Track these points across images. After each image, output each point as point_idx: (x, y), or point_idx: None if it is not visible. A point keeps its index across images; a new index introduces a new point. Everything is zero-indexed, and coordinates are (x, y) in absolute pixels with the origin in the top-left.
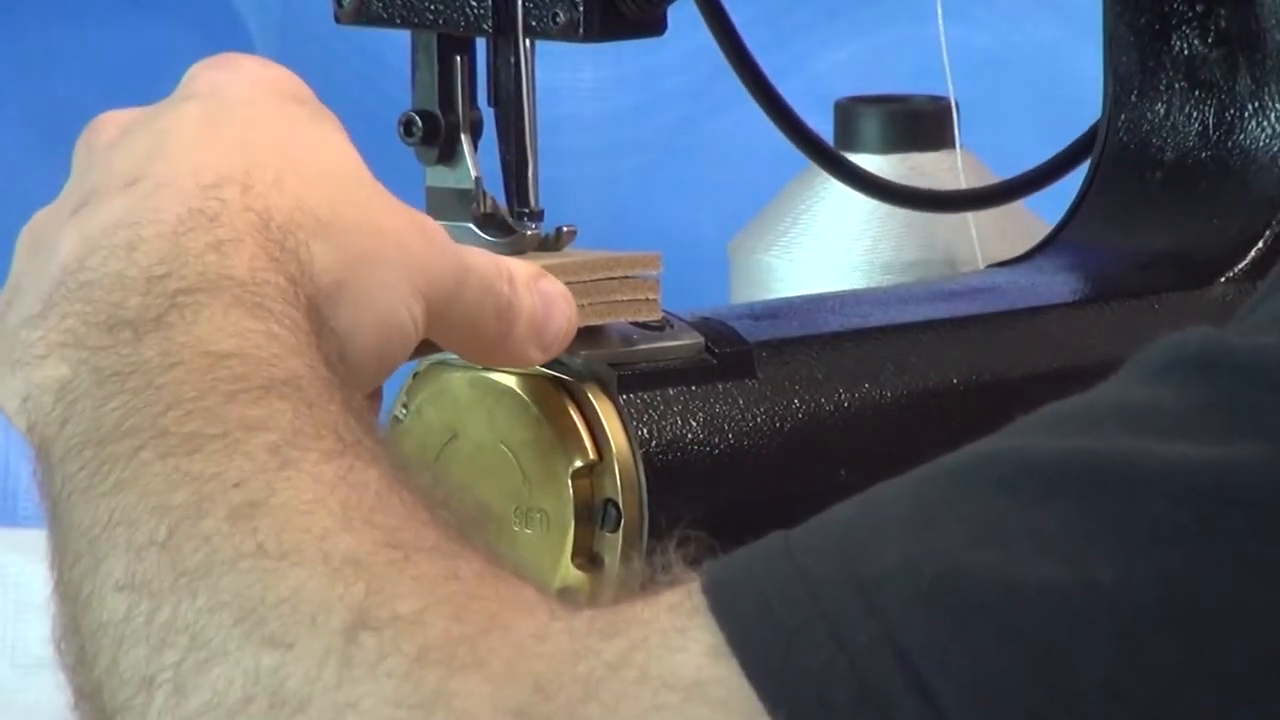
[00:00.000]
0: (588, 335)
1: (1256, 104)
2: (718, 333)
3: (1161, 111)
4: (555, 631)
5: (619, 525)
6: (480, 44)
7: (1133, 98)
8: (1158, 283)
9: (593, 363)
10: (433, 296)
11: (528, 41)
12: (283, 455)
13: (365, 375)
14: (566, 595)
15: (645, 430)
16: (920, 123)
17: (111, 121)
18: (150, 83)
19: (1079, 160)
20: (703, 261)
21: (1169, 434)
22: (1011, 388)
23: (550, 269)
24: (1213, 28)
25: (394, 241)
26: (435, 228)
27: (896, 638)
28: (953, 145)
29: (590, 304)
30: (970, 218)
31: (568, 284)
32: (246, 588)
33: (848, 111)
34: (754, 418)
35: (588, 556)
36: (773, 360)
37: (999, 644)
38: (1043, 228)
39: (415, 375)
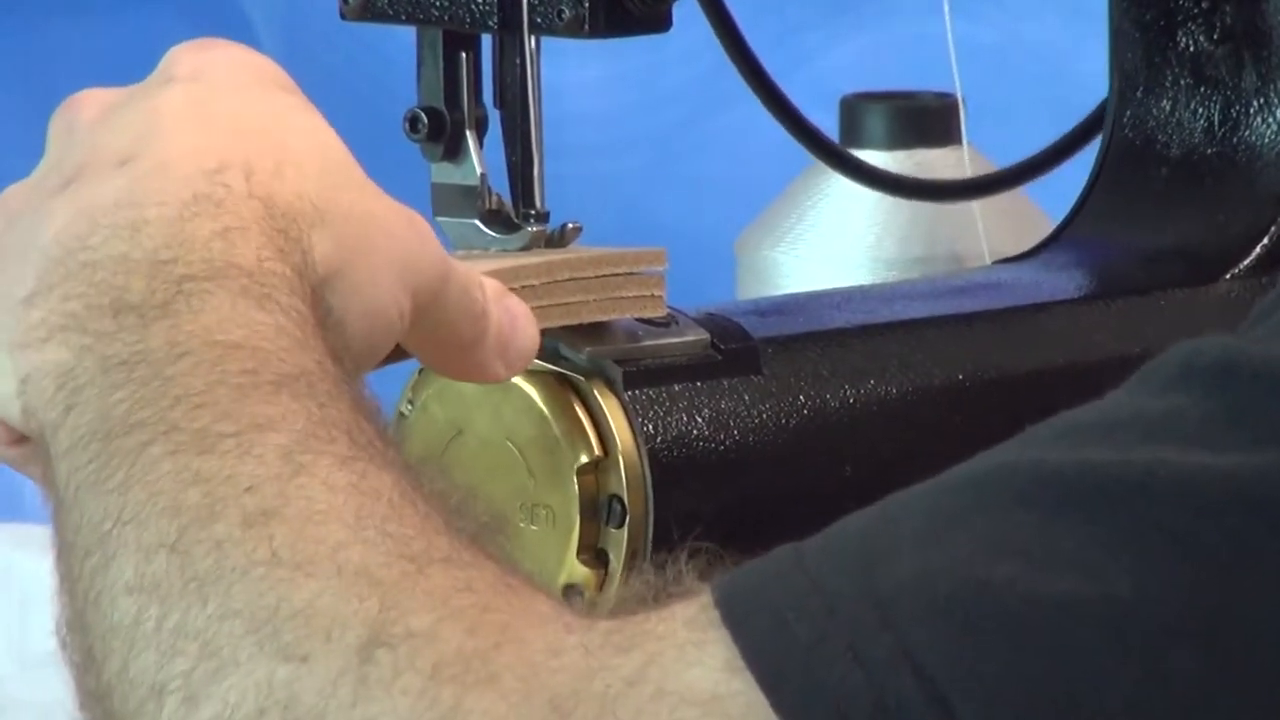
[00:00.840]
0: (593, 332)
1: (1262, 100)
2: (723, 329)
3: (1167, 108)
4: (570, 646)
5: (624, 521)
6: (486, 40)
7: (1138, 94)
8: (1163, 279)
9: (598, 359)
10: (420, 290)
11: (533, 38)
12: (295, 460)
13: (356, 365)
14: (572, 592)
15: (651, 426)
16: (926, 119)
17: (91, 100)
18: None
19: (1082, 144)
20: (708, 258)
21: (1187, 443)
22: (1017, 384)
23: (555, 265)
24: (1218, 24)
25: (386, 234)
26: (423, 222)
27: (914, 652)
28: (958, 141)
29: (595, 300)
30: (976, 214)
31: (573, 280)
32: (259, 597)
33: (853, 108)
34: (759, 414)
35: (593, 553)
36: (778, 356)
37: (1018, 658)
38: (1048, 224)
39: (421, 371)
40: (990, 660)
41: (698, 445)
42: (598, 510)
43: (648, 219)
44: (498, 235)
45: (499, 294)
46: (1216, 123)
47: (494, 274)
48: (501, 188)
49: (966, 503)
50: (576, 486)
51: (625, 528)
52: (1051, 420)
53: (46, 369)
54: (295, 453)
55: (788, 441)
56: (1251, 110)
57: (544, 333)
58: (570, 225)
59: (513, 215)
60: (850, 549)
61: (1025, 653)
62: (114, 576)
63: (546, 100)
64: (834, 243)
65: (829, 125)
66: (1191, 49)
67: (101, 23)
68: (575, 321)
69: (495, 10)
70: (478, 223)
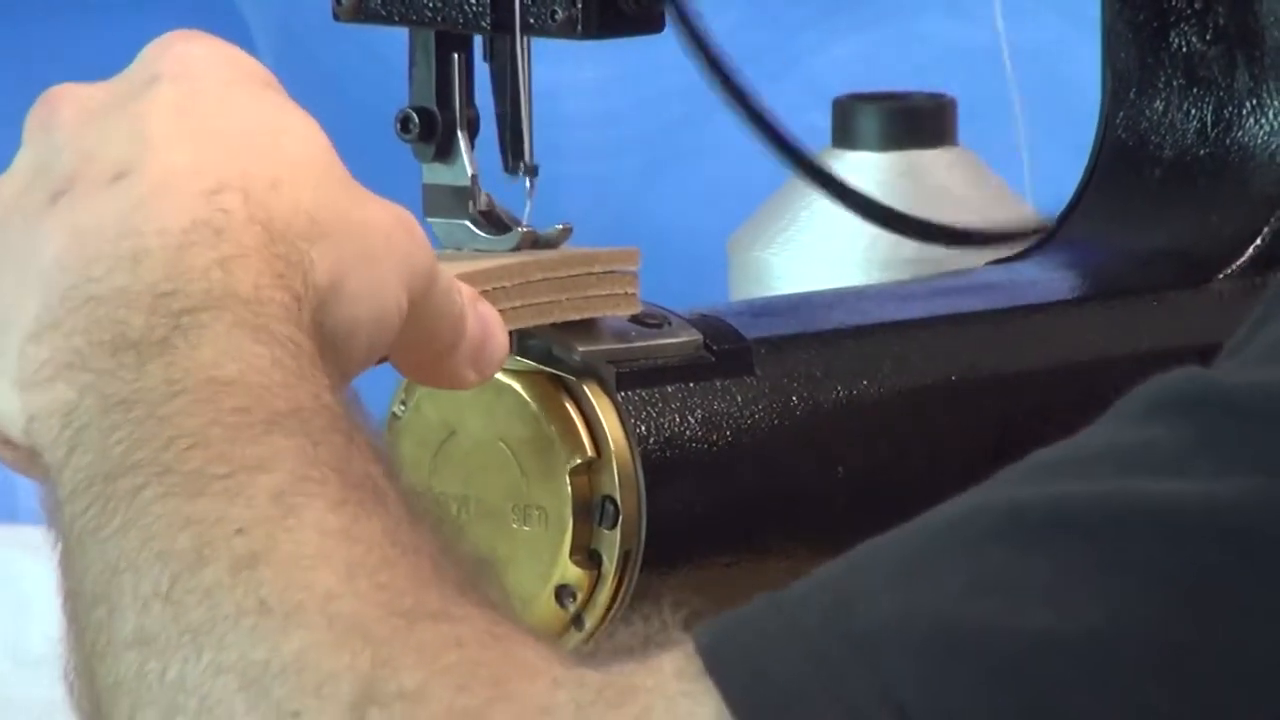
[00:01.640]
0: (586, 332)
1: (1255, 101)
2: (716, 330)
3: (1160, 108)
4: (560, 702)
5: (617, 522)
6: (478, 41)
7: (1131, 95)
8: (1156, 279)
9: (591, 359)
10: (413, 288)
11: (526, 39)
12: (286, 503)
13: (356, 369)
14: (565, 592)
15: (644, 427)
16: (919, 120)
17: (69, 96)
18: None
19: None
20: (701, 258)
21: (1160, 472)
22: (1010, 384)
23: (527, 265)
24: (1211, 25)
25: (383, 237)
26: (411, 218)
27: (894, 691)
28: (952, 142)
29: (568, 299)
30: (969, 213)
31: (545, 280)
32: (250, 649)
33: (846, 109)
34: (752, 414)
35: (586, 553)
36: (771, 357)
37: (996, 694)
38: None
39: None
40: (969, 697)
41: (690, 446)
42: (590, 511)
43: (640, 220)
44: (489, 236)
45: (472, 298)
46: (1209, 123)
47: (468, 275)
48: (493, 189)
49: (941, 544)
50: (569, 487)
51: (618, 528)
52: (1024, 460)
53: (53, 409)
54: (286, 494)
55: (780, 442)
56: (1244, 111)
57: (534, 333)
58: (560, 227)
59: (503, 217)
60: (827, 593)
61: (1003, 688)
62: (117, 629)
63: (539, 101)
64: (827, 244)
65: (822, 126)
66: (1184, 50)
67: (101, 23)
68: (548, 321)
69: (488, 11)
70: (469, 224)
